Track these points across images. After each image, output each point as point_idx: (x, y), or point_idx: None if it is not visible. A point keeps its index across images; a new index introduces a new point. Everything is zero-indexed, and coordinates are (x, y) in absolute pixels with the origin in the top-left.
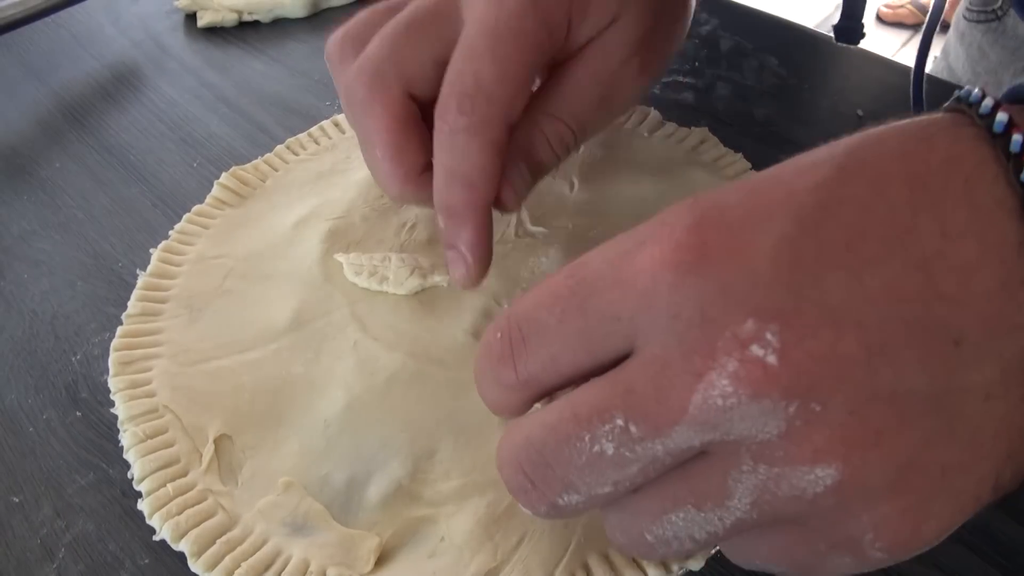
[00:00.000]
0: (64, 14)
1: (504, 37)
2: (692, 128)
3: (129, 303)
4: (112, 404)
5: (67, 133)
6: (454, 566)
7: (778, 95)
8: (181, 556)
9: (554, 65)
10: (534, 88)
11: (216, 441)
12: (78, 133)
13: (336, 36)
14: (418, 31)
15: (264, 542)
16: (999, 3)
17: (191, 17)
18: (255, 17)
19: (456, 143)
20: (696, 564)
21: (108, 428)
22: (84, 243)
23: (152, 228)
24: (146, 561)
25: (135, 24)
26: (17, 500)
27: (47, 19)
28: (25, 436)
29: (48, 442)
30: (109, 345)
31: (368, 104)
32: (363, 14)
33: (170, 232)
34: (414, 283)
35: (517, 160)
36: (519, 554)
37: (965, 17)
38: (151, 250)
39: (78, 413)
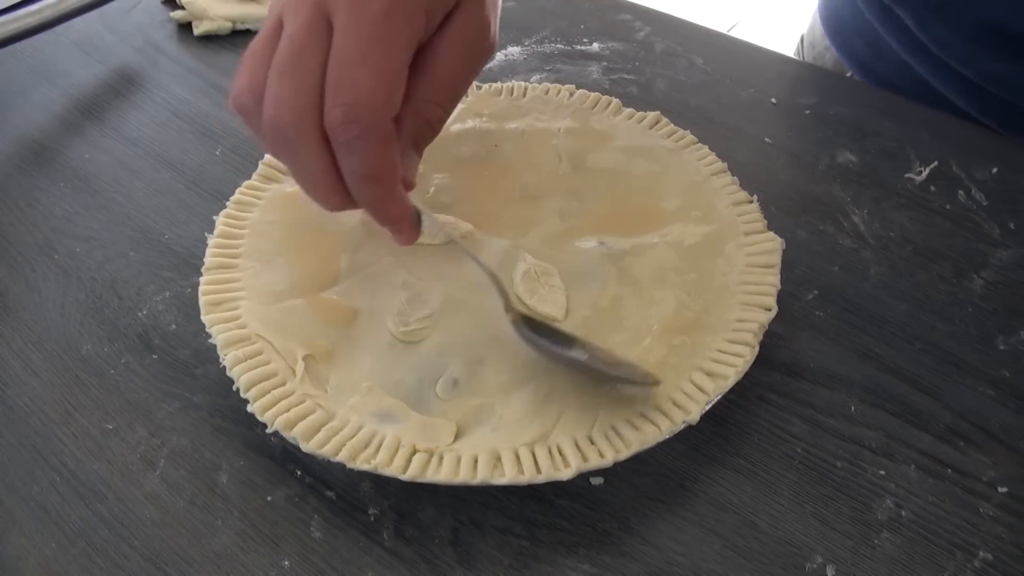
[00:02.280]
0: (61, 25)
1: (373, 43)
2: (647, 112)
3: (205, 259)
4: (187, 348)
5: (89, 128)
6: (513, 435)
7: (706, 87)
8: (271, 456)
9: (419, 48)
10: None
11: (304, 359)
12: (100, 128)
13: (240, 88)
14: (306, 56)
15: (360, 428)
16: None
17: (184, 26)
18: (247, 26)
19: (352, 151)
20: (693, 418)
21: (185, 366)
22: (128, 220)
23: (189, 207)
24: (241, 463)
25: (132, 32)
26: (111, 427)
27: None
28: (107, 377)
29: (130, 380)
30: (171, 303)
31: (299, 139)
32: (250, 61)
33: (227, 203)
34: (445, 235)
35: (408, 148)
36: (561, 424)
37: None
38: (214, 217)
39: (154, 356)
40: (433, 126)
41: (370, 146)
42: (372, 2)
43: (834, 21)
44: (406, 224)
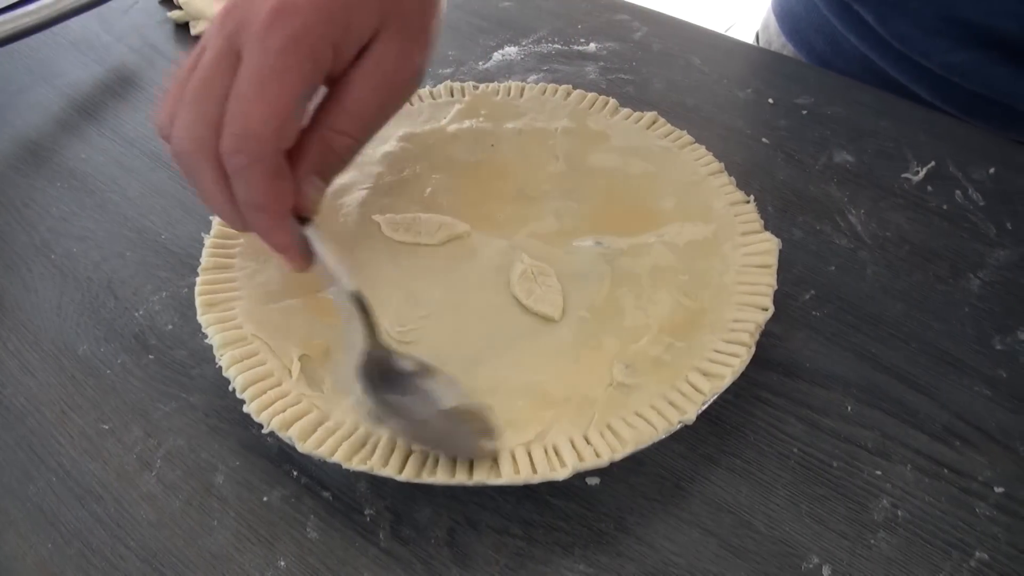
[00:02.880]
0: (58, 25)
1: (269, 77)
2: (644, 112)
3: (202, 260)
4: (184, 348)
5: (85, 128)
6: (509, 435)
7: (703, 87)
8: (267, 457)
9: (333, 79)
10: (313, 105)
11: (300, 359)
12: (97, 128)
13: (160, 116)
14: (210, 87)
15: (356, 428)
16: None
17: (181, 26)
18: None
19: (240, 180)
20: (689, 418)
21: (182, 367)
22: (124, 220)
23: (187, 207)
24: (237, 463)
25: (129, 32)
26: (107, 427)
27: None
28: (104, 377)
29: (127, 380)
30: (168, 303)
31: (197, 166)
32: (171, 89)
33: None
34: (444, 234)
35: (310, 175)
36: (556, 424)
37: None
38: (211, 216)
39: (151, 356)
40: (340, 155)
41: (257, 176)
42: (275, 36)
43: (789, 18)
44: (291, 253)
